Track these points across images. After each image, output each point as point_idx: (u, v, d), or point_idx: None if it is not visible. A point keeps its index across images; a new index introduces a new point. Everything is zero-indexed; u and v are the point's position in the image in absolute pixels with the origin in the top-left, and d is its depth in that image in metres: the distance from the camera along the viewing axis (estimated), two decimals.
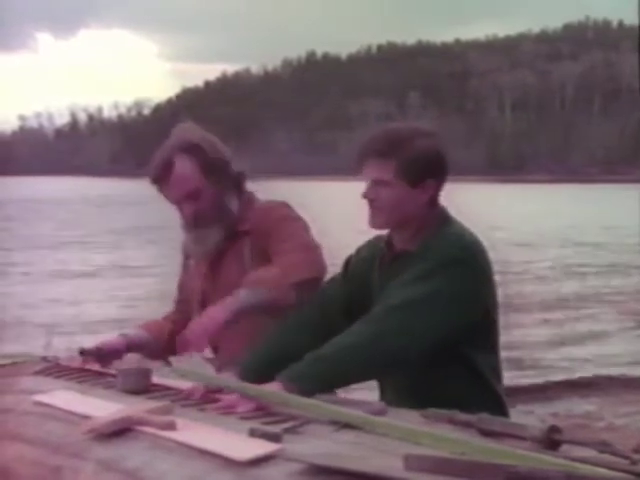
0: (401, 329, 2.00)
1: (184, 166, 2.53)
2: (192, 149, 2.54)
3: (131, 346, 2.66)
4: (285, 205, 2.66)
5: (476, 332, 2.15)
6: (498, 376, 2.26)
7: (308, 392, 1.88)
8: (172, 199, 2.58)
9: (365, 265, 2.31)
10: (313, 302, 2.36)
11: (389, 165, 2.14)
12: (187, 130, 2.63)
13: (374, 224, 2.22)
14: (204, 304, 2.69)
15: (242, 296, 2.34)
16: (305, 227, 2.58)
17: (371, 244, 2.35)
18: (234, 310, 2.33)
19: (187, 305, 2.80)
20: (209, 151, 2.56)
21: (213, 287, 2.67)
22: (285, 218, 2.57)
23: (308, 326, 2.30)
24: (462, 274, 2.08)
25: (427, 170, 2.16)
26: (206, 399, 2.02)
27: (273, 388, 1.93)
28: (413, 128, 2.24)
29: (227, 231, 2.60)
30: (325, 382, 1.97)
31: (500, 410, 2.16)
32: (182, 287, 2.87)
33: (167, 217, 2.83)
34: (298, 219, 2.59)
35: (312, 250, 2.46)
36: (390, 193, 2.15)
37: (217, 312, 2.34)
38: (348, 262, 2.38)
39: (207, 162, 2.55)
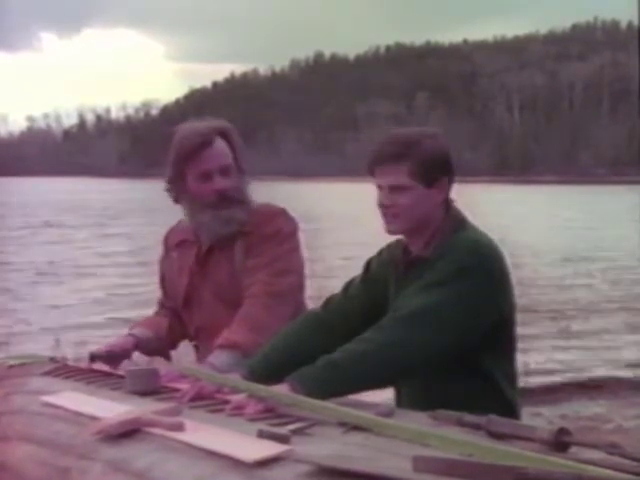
0: (410, 339, 2.00)
1: (222, 144, 2.64)
2: (226, 134, 2.67)
3: (139, 345, 2.68)
4: (282, 214, 2.70)
5: (490, 337, 2.14)
6: (512, 381, 2.25)
7: (315, 396, 1.88)
8: (205, 171, 2.60)
9: (384, 269, 2.32)
10: (332, 303, 2.38)
11: (403, 169, 2.14)
12: (218, 119, 2.75)
13: (392, 230, 2.22)
14: (189, 299, 2.71)
15: (219, 362, 2.36)
16: (293, 248, 2.65)
17: (391, 247, 2.35)
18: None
19: (173, 300, 2.81)
20: (238, 140, 2.70)
21: (200, 283, 2.70)
22: (278, 233, 2.62)
23: (325, 327, 2.31)
24: (474, 282, 2.08)
25: (441, 169, 2.18)
26: (199, 399, 2.03)
27: (281, 389, 1.93)
28: (419, 131, 2.25)
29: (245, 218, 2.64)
30: (333, 387, 1.97)
31: (511, 417, 2.15)
32: (164, 282, 2.88)
33: None
34: (291, 235, 2.65)
35: (284, 286, 2.55)
36: (408, 197, 2.16)
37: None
38: (369, 264, 2.38)
39: (236, 149, 2.68)
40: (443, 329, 2.03)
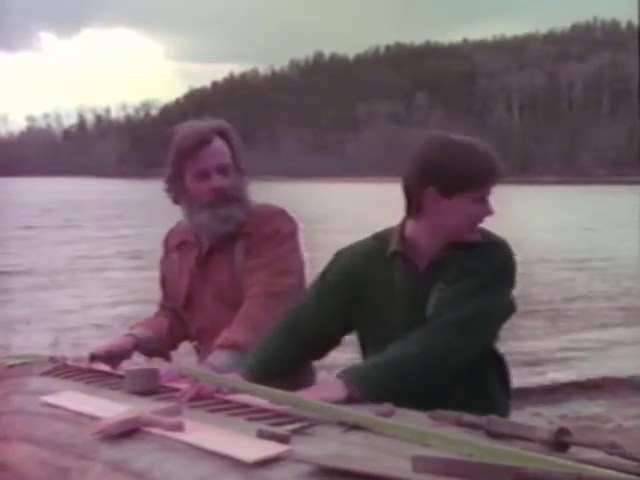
0: (461, 345, 2.08)
1: (220, 143, 2.66)
2: (225, 133, 2.68)
3: (139, 345, 2.68)
4: (282, 214, 2.70)
5: None
6: None
7: (369, 396, 1.91)
8: (202, 169, 2.61)
9: (363, 270, 2.29)
10: (295, 310, 2.39)
11: None
12: (218, 119, 2.77)
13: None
14: (189, 301, 2.72)
15: (219, 362, 2.38)
16: (292, 248, 2.65)
17: (362, 249, 2.34)
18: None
19: (173, 301, 2.82)
20: (237, 140, 2.72)
21: (201, 285, 2.71)
22: (278, 234, 2.62)
23: (296, 332, 2.32)
24: (511, 284, 2.21)
25: None
26: (199, 398, 2.02)
27: (334, 388, 1.94)
28: None
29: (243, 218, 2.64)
30: (385, 387, 1.99)
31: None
32: (165, 283, 2.89)
33: None
34: (290, 236, 2.65)
35: (284, 287, 2.55)
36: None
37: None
38: (325, 274, 2.37)
39: (235, 148, 2.69)
40: (488, 332, 2.17)
